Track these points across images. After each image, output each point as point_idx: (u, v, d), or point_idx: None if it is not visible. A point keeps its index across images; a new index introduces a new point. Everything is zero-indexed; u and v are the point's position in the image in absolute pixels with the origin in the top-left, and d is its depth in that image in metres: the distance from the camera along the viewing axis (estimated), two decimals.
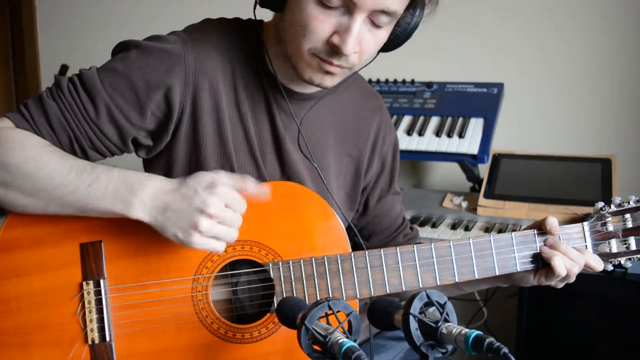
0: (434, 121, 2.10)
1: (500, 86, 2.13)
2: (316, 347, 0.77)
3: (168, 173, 1.10)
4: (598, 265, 1.08)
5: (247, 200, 1.05)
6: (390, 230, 1.33)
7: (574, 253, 1.06)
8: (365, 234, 1.31)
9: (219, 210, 0.95)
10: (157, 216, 0.94)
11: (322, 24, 0.97)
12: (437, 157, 2.04)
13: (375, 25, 1.00)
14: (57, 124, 1.01)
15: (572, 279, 1.09)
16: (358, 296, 1.04)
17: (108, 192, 0.95)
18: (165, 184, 0.97)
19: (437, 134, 2.04)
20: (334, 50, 0.99)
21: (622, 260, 1.10)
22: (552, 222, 1.08)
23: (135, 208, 0.94)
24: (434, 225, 1.80)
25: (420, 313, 0.79)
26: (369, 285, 1.04)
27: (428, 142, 2.04)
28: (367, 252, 1.04)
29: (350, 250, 1.08)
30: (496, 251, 1.07)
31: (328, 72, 1.03)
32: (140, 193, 0.95)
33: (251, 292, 1.05)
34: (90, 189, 0.95)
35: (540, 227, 1.09)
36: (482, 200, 1.84)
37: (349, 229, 1.31)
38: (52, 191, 0.95)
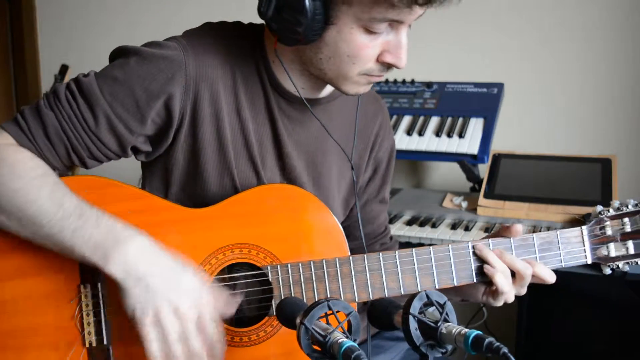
0: (434, 121, 2.10)
1: (500, 86, 2.13)
2: (316, 347, 0.77)
3: (166, 178, 1.10)
4: (550, 277, 1.06)
5: (246, 202, 1.05)
6: (369, 237, 1.32)
7: (521, 264, 1.04)
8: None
9: (190, 325, 0.90)
10: (127, 280, 0.90)
11: (372, 50, 0.98)
12: (437, 157, 2.04)
13: None
14: (54, 135, 0.99)
15: (523, 291, 1.07)
16: (356, 300, 1.03)
17: (90, 241, 0.91)
18: (152, 249, 0.93)
19: (437, 134, 2.04)
20: (386, 66, 1.00)
21: (621, 264, 1.10)
22: (518, 228, 1.06)
23: (112, 263, 0.90)
24: (434, 225, 1.80)
25: (419, 313, 0.79)
26: (367, 289, 1.03)
27: (428, 142, 2.04)
28: (365, 256, 1.04)
29: (349, 253, 1.08)
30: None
31: (372, 82, 1.04)
32: (122, 249, 0.91)
33: (249, 296, 1.05)
34: (74, 234, 0.92)
35: (503, 234, 1.08)
36: (482, 200, 1.84)
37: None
38: (38, 228, 0.93)
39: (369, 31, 0.96)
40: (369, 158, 1.26)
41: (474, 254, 1.05)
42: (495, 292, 1.06)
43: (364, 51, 0.97)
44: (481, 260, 1.05)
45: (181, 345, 0.90)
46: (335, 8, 0.94)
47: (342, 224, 1.27)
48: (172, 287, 0.91)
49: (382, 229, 1.35)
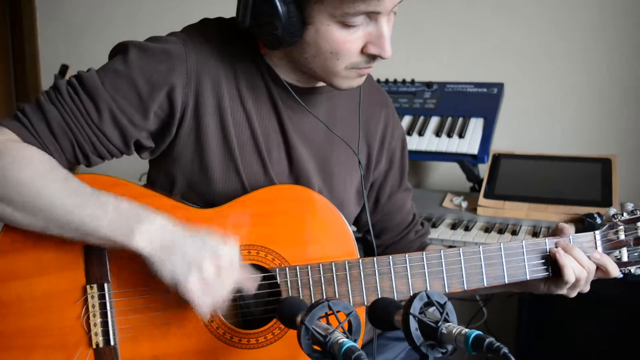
0: (434, 121, 2.10)
1: (500, 86, 2.13)
2: (316, 347, 0.77)
3: (172, 174, 1.09)
4: (614, 270, 1.07)
5: (255, 203, 1.05)
6: (401, 226, 1.32)
7: (586, 258, 1.05)
8: (376, 230, 1.30)
9: (231, 273, 0.94)
10: (158, 251, 0.92)
11: (353, 43, 0.98)
12: (437, 157, 2.04)
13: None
14: (58, 130, 0.98)
15: (586, 287, 1.08)
16: (366, 303, 1.03)
17: (112, 221, 0.92)
18: (175, 223, 0.96)
19: (437, 134, 2.04)
20: (372, 57, 1.00)
21: (633, 269, 1.09)
22: (566, 225, 1.09)
23: (137, 238, 0.91)
24: (434, 225, 1.80)
25: (420, 313, 0.79)
26: (376, 292, 1.03)
27: (428, 142, 2.04)
28: (375, 259, 1.03)
29: (359, 255, 1.07)
30: (506, 259, 1.06)
31: (362, 74, 1.04)
32: (146, 224, 0.93)
33: (257, 298, 1.04)
34: (95, 216, 0.92)
35: (554, 234, 1.10)
36: (482, 200, 1.84)
37: (358, 224, 1.32)
38: (55, 217, 0.93)
39: (346, 25, 0.96)
40: (381, 149, 1.25)
41: (484, 257, 1.05)
42: (559, 280, 1.07)
43: (345, 46, 0.97)
44: (491, 265, 1.05)
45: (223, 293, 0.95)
46: (308, 8, 0.95)
47: (371, 218, 1.27)
48: (205, 247, 0.94)
49: (412, 217, 1.34)
